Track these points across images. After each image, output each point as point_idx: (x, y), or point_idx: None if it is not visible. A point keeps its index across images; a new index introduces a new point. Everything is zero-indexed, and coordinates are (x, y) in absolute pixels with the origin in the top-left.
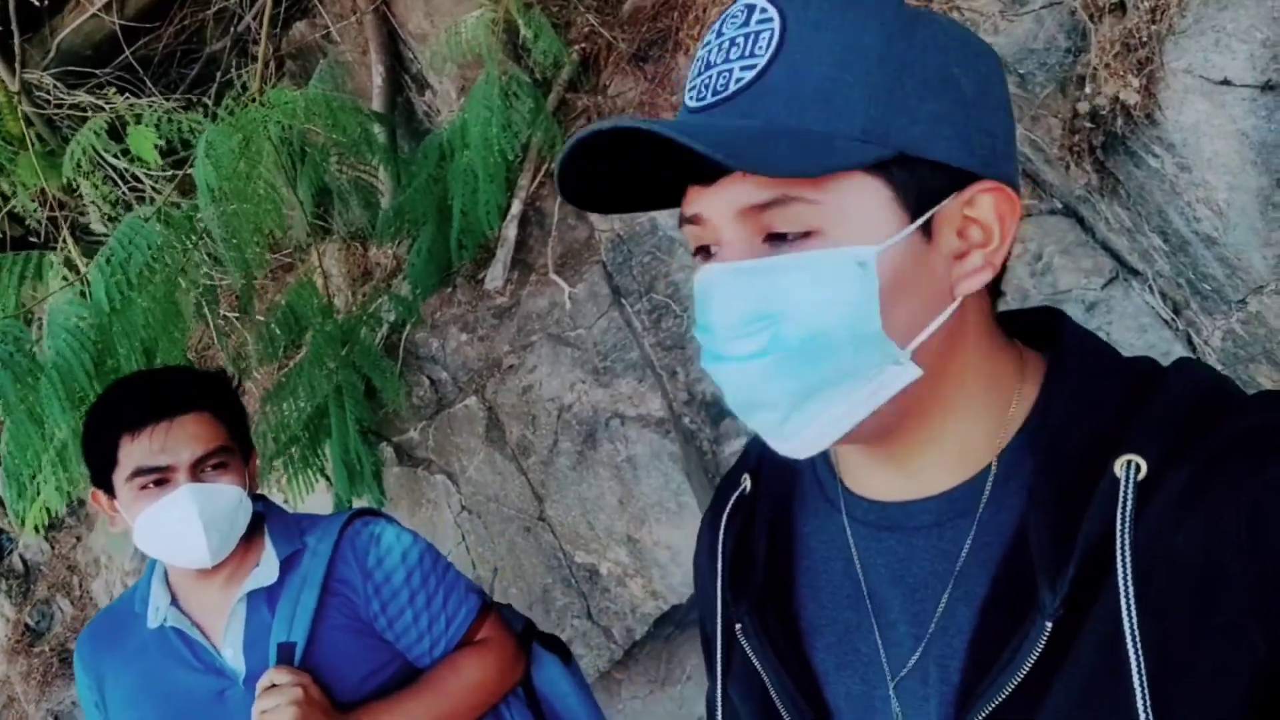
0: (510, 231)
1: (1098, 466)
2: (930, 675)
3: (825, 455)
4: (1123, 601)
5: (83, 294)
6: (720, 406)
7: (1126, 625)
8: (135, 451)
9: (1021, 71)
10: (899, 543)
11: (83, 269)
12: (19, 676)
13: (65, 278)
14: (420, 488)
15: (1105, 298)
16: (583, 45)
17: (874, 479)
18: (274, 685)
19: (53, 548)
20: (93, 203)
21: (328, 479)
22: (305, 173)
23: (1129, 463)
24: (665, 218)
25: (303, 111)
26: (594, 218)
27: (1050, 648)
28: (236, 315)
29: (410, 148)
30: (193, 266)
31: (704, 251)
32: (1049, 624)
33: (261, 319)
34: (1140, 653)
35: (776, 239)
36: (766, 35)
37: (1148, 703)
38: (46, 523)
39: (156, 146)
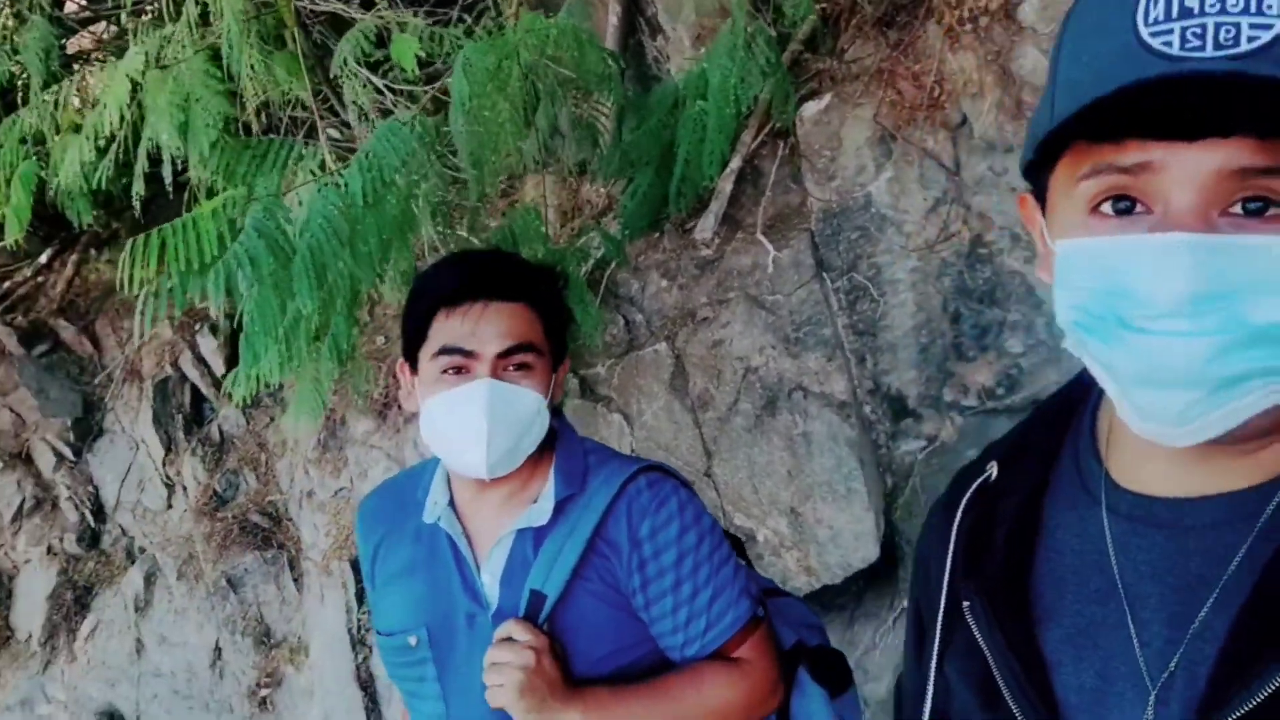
0: (726, 185)
1: None
2: (1177, 679)
3: (1094, 444)
4: None
5: (338, 185)
6: (903, 403)
7: None
8: (446, 328)
9: None
10: (1167, 540)
11: (328, 163)
12: (201, 537)
13: (322, 168)
14: (596, 423)
15: None
16: (824, 3)
17: (1147, 471)
18: (510, 639)
19: (248, 423)
20: (354, 103)
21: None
22: (544, 104)
23: None
24: (881, 194)
25: (554, 40)
26: (808, 183)
27: None
28: (463, 233)
29: (635, 91)
30: (432, 177)
31: (1115, 205)
32: None
33: (483, 235)
34: None
35: (1236, 214)
36: None
37: None
38: (254, 395)
39: (416, 58)
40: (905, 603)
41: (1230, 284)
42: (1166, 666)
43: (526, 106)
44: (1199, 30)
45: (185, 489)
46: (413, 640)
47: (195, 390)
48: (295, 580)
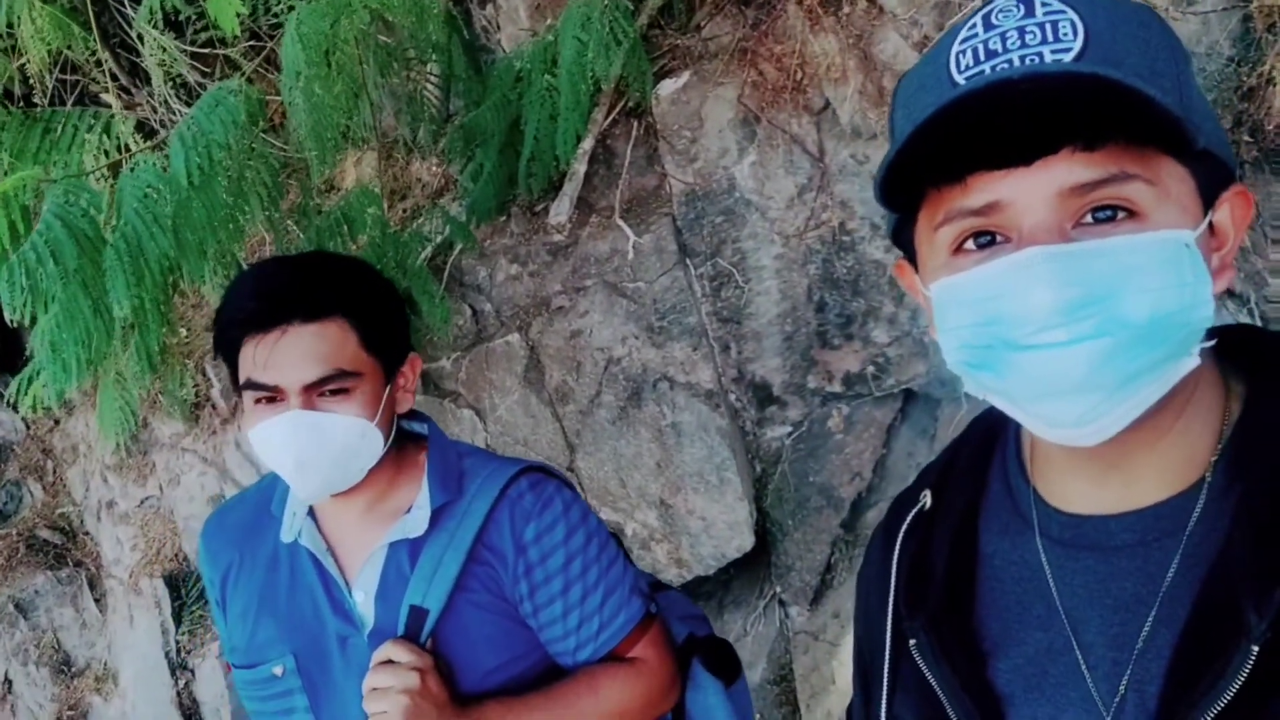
0: (580, 167)
1: None
2: (1127, 702)
3: (1021, 464)
4: None
5: (155, 165)
6: (768, 390)
7: None
8: (249, 359)
9: None
10: (1099, 562)
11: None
12: None
13: (123, 146)
14: (445, 419)
15: None
16: None
17: (1075, 489)
18: (390, 661)
19: (28, 428)
20: (160, 64)
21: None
22: (371, 72)
23: None
24: (746, 178)
25: (397, 3)
26: (668, 165)
27: (1257, 674)
28: (291, 216)
29: (464, 62)
30: (258, 157)
31: (976, 241)
32: (1255, 647)
33: (303, 227)
34: None
35: (1088, 224)
36: (1067, 24)
37: None
38: (45, 404)
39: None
40: (776, 588)
41: (1097, 287)
42: (1116, 689)
43: (359, 76)
44: (1005, 64)
45: None
46: (278, 670)
47: None
48: (97, 601)
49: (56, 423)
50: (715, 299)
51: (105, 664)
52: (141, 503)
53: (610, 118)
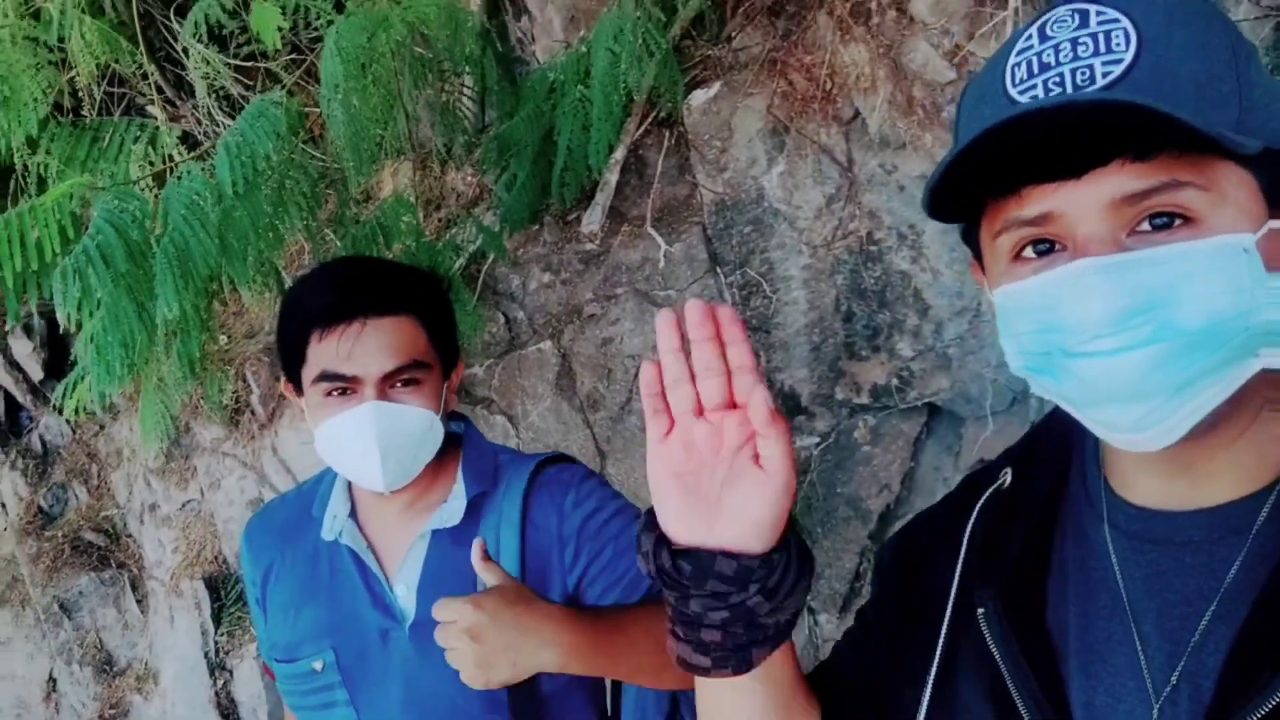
0: (612, 176)
1: None
2: (1181, 693)
3: (1096, 454)
4: None
5: (203, 173)
6: (796, 401)
7: None
8: (323, 352)
9: None
10: (1163, 556)
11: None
12: (27, 558)
13: (167, 156)
14: (477, 426)
15: None
16: None
17: (1144, 483)
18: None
19: (74, 432)
20: (204, 77)
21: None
22: (407, 84)
23: None
24: (774, 188)
25: (431, 17)
26: (699, 175)
27: None
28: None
29: (497, 73)
30: (298, 167)
31: (1035, 249)
32: None
33: (341, 236)
34: None
35: (1144, 231)
36: (1120, 33)
37: None
38: (89, 408)
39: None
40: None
41: (1149, 296)
42: (1169, 680)
43: (395, 88)
44: (1058, 79)
45: (4, 506)
46: (318, 665)
47: (9, 398)
48: (139, 602)
49: (101, 428)
50: (744, 308)
51: (146, 664)
52: (183, 506)
53: (642, 128)
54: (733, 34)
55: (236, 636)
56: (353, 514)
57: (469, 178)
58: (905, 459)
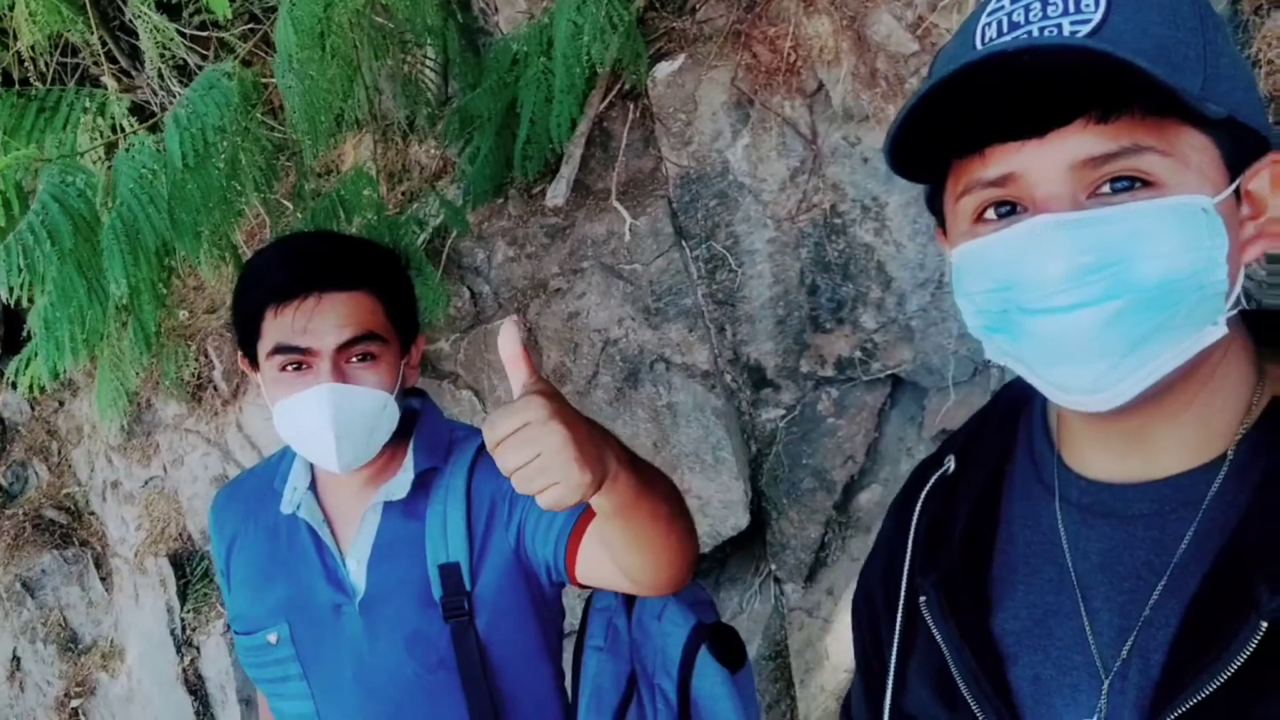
0: (576, 149)
1: None
2: (1131, 667)
3: (1046, 428)
4: None
5: (152, 145)
6: (761, 373)
7: None
8: (278, 325)
9: None
10: (1114, 530)
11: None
12: None
13: (118, 127)
14: (444, 401)
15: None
16: None
17: (1098, 455)
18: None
19: (32, 409)
20: (156, 44)
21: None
22: (367, 55)
23: None
24: (739, 161)
25: None
26: (664, 148)
27: (1264, 650)
28: (283, 201)
29: (460, 44)
30: (252, 139)
31: (997, 210)
32: (1264, 623)
33: (301, 209)
34: None
35: (1104, 194)
36: None
37: None
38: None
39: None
40: (771, 566)
41: (1108, 253)
42: (1119, 655)
43: (354, 59)
44: (1026, 36)
45: None
46: (272, 637)
47: None
48: (103, 580)
49: (61, 404)
50: (710, 281)
51: (111, 641)
52: (146, 483)
53: (606, 100)
54: (697, 6)
55: (203, 613)
56: (313, 487)
57: (432, 150)
58: (869, 430)
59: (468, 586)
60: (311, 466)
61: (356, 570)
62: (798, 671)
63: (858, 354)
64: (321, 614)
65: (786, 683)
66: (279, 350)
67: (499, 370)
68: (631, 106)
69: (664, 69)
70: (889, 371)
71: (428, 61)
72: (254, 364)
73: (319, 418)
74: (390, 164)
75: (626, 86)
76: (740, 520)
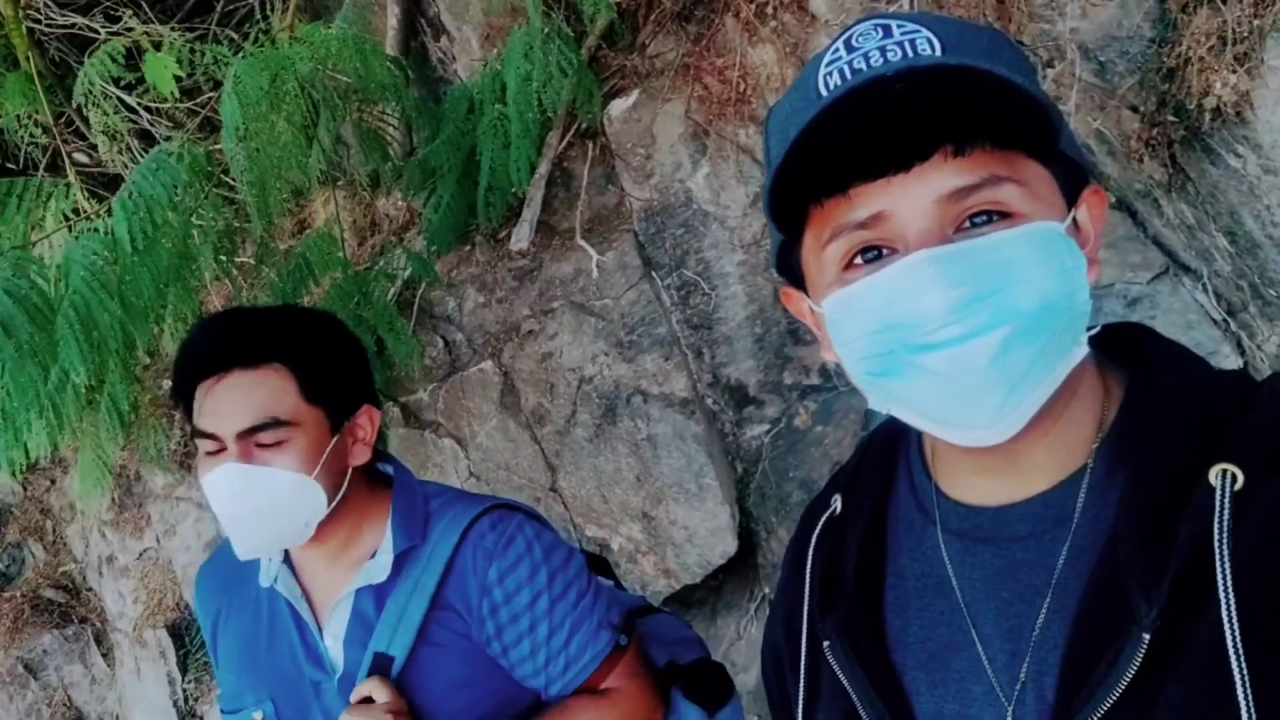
0: (538, 192)
1: (1191, 475)
2: (1028, 692)
3: (923, 461)
4: (1224, 614)
5: (100, 231)
6: (744, 391)
7: (1229, 639)
8: (196, 407)
9: (1102, 59)
10: (995, 555)
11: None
12: None
13: (75, 211)
14: (426, 451)
15: (1150, 293)
16: None
17: (972, 480)
18: (367, 700)
19: (25, 489)
20: (102, 133)
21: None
22: (324, 118)
23: (1224, 472)
24: (701, 190)
25: (335, 51)
26: (626, 183)
27: (1150, 661)
28: (251, 263)
29: (422, 96)
30: (209, 210)
31: (864, 256)
32: (1146, 635)
33: (275, 269)
34: (1244, 667)
35: (967, 228)
36: (924, 40)
37: (1253, 716)
38: (25, 466)
39: (175, 79)
40: (765, 589)
41: (986, 282)
42: (1016, 679)
43: (307, 122)
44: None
45: None
46: (257, 716)
47: None
48: (104, 655)
49: (53, 481)
50: (684, 307)
51: (117, 717)
52: (140, 555)
53: (565, 140)
54: (646, 41)
55: (204, 682)
56: (287, 559)
57: (399, 203)
58: (857, 433)
59: (392, 678)
60: None
61: (334, 647)
62: None
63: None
64: (304, 691)
65: None
66: (194, 434)
67: (478, 416)
68: (590, 145)
69: (619, 106)
70: None
71: (387, 116)
72: None
73: (218, 501)
74: (359, 219)
75: (583, 126)
76: (728, 547)
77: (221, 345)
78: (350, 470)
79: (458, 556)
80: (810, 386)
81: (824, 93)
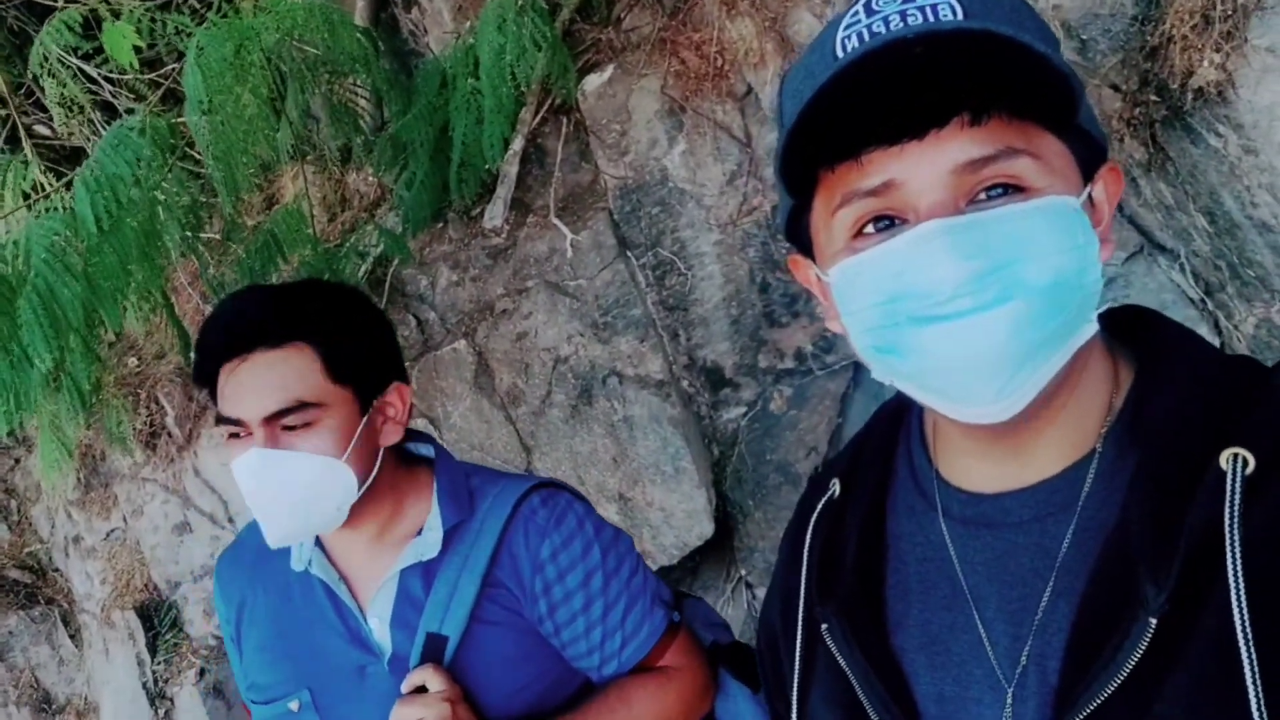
0: (511, 168)
1: (1202, 460)
2: (1029, 675)
3: (924, 446)
4: (1234, 599)
5: (62, 210)
6: (720, 374)
7: (1239, 624)
8: (220, 391)
9: (1084, 37)
10: (997, 539)
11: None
12: None
13: (35, 188)
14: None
15: (1125, 272)
16: None
17: (974, 468)
18: (421, 689)
19: None
20: (60, 104)
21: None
22: (292, 90)
23: (1236, 456)
24: (677, 167)
25: (302, 22)
26: (600, 160)
27: (1156, 647)
28: (218, 239)
29: (393, 69)
30: (175, 185)
31: (876, 225)
32: (1153, 620)
33: (242, 246)
34: (1254, 653)
35: (981, 201)
36: (945, 6)
37: (1262, 705)
38: None
39: (135, 49)
40: (742, 571)
41: (998, 255)
42: (1017, 663)
43: (274, 94)
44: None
45: None
46: (294, 705)
47: None
48: (72, 637)
49: (17, 461)
50: (660, 288)
51: (85, 699)
52: (107, 536)
53: (539, 116)
54: (622, 15)
55: (174, 664)
56: (319, 542)
57: (370, 179)
58: (833, 418)
59: (445, 664)
60: None
61: (380, 629)
62: None
63: (817, 345)
64: (345, 676)
65: None
66: (219, 420)
67: (451, 396)
68: (565, 121)
69: (593, 81)
70: (852, 359)
71: (358, 89)
72: None
73: (247, 487)
74: (328, 195)
75: (558, 101)
76: (705, 529)
77: (243, 325)
78: (382, 451)
79: (508, 533)
80: (784, 370)
81: (840, 55)
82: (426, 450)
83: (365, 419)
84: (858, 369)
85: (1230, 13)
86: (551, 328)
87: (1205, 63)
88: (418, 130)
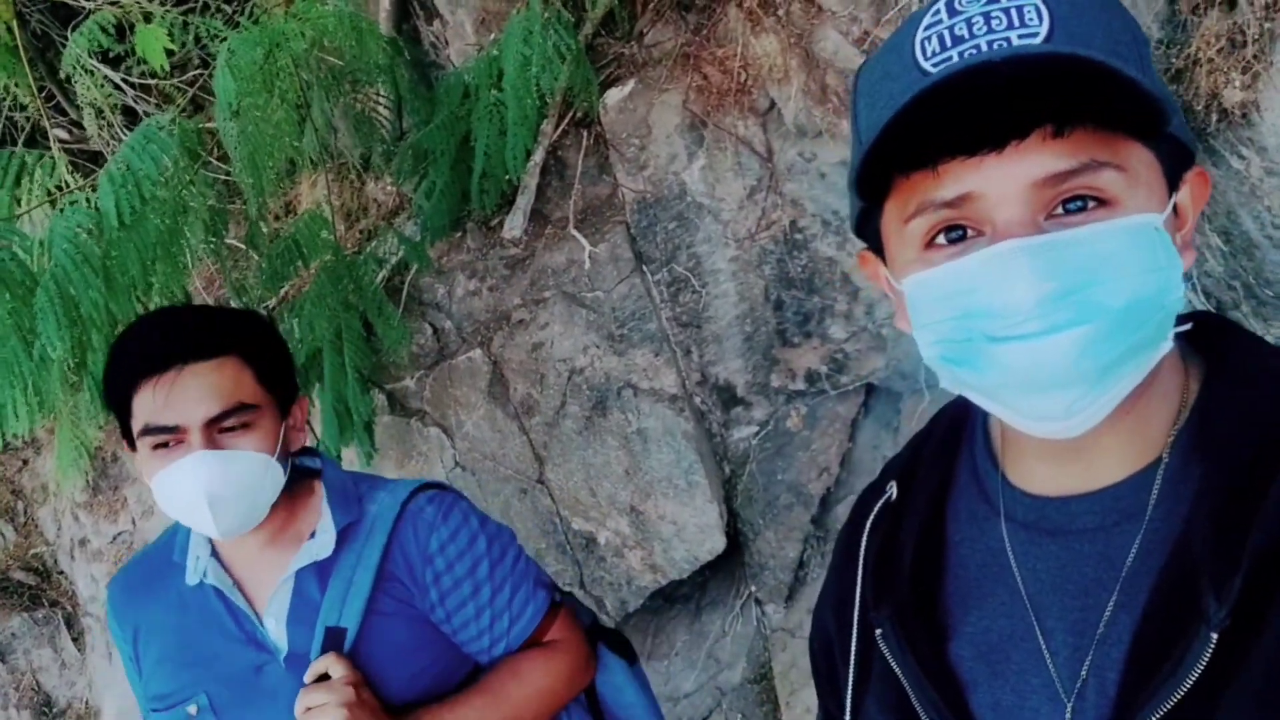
0: (532, 180)
1: (1267, 474)
2: (1089, 687)
3: (990, 451)
4: None
5: (86, 202)
6: (732, 392)
7: None
8: (144, 404)
9: None
10: (1061, 549)
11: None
12: None
13: (59, 187)
14: (412, 439)
15: None
16: None
17: (1039, 470)
18: (323, 677)
19: None
20: (89, 104)
21: (310, 426)
22: (317, 97)
23: None
24: (696, 182)
25: (332, 29)
26: (619, 173)
27: (1217, 662)
28: (239, 245)
29: (412, 79)
30: (200, 187)
31: (948, 235)
32: (1214, 635)
33: (264, 251)
34: None
35: (1059, 215)
36: (1031, 9)
37: None
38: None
39: (167, 52)
40: (751, 588)
41: (1075, 278)
42: (1078, 675)
43: (300, 100)
44: (974, 50)
45: None
46: (192, 709)
47: None
48: (75, 640)
49: (25, 462)
50: (674, 304)
51: (87, 702)
52: (114, 539)
53: (560, 129)
54: (644, 30)
55: None
56: (215, 554)
57: (389, 187)
58: (843, 441)
59: (344, 652)
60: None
61: (275, 628)
62: (783, 693)
63: (828, 366)
64: (242, 676)
65: (773, 705)
66: (147, 431)
67: (465, 405)
68: (585, 134)
69: (615, 95)
70: (862, 381)
71: (380, 99)
72: (132, 445)
73: (194, 487)
74: (347, 202)
75: (579, 114)
76: (716, 544)
77: (178, 339)
78: (289, 456)
79: (398, 530)
80: (796, 391)
81: (920, 58)
82: (314, 463)
83: (283, 425)
84: (868, 393)
85: (1258, 36)
86: (567, 339)
87: (1231, 85)
88: (439, 140)
